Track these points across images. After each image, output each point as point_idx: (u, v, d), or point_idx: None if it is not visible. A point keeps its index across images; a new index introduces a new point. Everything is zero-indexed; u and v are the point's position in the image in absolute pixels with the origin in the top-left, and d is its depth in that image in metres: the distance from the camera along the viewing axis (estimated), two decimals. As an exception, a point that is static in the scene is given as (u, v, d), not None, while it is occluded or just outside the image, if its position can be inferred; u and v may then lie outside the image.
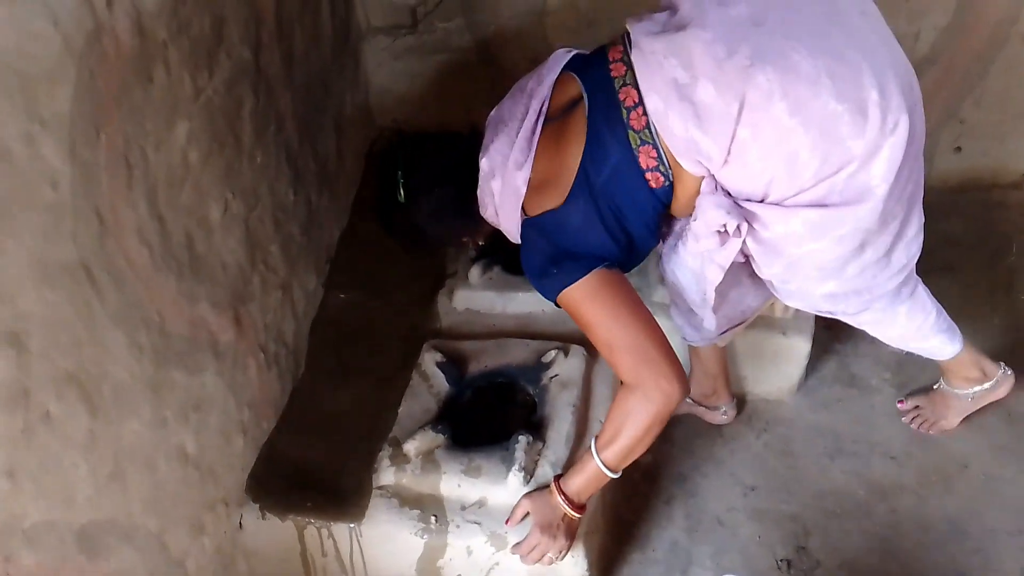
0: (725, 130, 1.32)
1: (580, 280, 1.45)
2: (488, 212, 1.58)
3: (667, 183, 1.43)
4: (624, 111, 1.40)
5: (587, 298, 1.46)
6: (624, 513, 1.88)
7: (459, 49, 2.30)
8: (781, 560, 1.78)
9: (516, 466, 1.61)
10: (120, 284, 1.24)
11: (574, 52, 1.54)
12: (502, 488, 1.61)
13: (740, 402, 2.07)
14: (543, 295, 1.53)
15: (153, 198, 1.31)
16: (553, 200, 1.47)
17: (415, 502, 1.64)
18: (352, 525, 1.63)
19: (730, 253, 1.45)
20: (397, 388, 1.82)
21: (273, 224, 1.75)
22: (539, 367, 1.83)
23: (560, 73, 1.51)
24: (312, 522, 1.65)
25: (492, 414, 1.83)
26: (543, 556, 1.56)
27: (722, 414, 2.02)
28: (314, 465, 1.74)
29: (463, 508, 1.63)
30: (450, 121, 2.41)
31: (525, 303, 2.03)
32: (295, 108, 1.85)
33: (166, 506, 1.39)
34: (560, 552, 1.57)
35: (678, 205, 1.48)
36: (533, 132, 1.49)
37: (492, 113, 1.59)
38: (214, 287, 1.50)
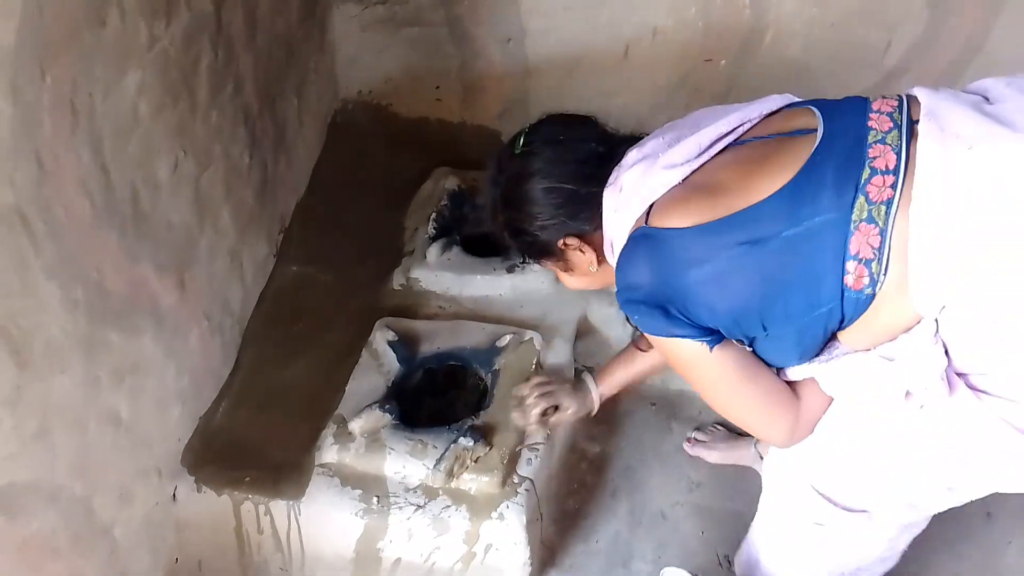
0: (1017, 264, 0.96)
1: (684, 339, 1.15)
2: (606, 211, 1.24)
3: (868, 293, 1.04)
4: (867, 170, 1.03)
5: (693, 363, 1.18)
6: (569, 504, 1.87)
7: (431, 24, 2.26)
8: (723, 556, 1.78)
9: (439, 464, 1.58)
10: (57, 235, 1.17)
11: (800, 100, 1.22)
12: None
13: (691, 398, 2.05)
14: (638, 326, 1.21)
15: (98, 147, 1.25)
16: (692, 215, 1.10)
17: (357, 482, 1.60)
18: (291, 502, 1.59)
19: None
20: (346, 365, 1.78)
21: (225, 187, 1.69)
22: (492, 351, 1.81)
23: (787, 108, 1.20)
24: (249, 497, 1.60)
25: (442, 396, 1.80)
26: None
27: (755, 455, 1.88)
28: (255, 439, 1.69)
29: (406, 490, 1.59)
30: (417, 99, 2.40)
31: (482, 286, 2.00)
32: (256, 70, 1.79)
33: (94, 470, 1.33)
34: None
35: (857, 332, 1.09)
36: (713, 142, 1.16)
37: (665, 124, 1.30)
38: (158, 247, 1.44)
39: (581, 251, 1.31)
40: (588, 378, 1.65)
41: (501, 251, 1.64)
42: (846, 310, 1.06)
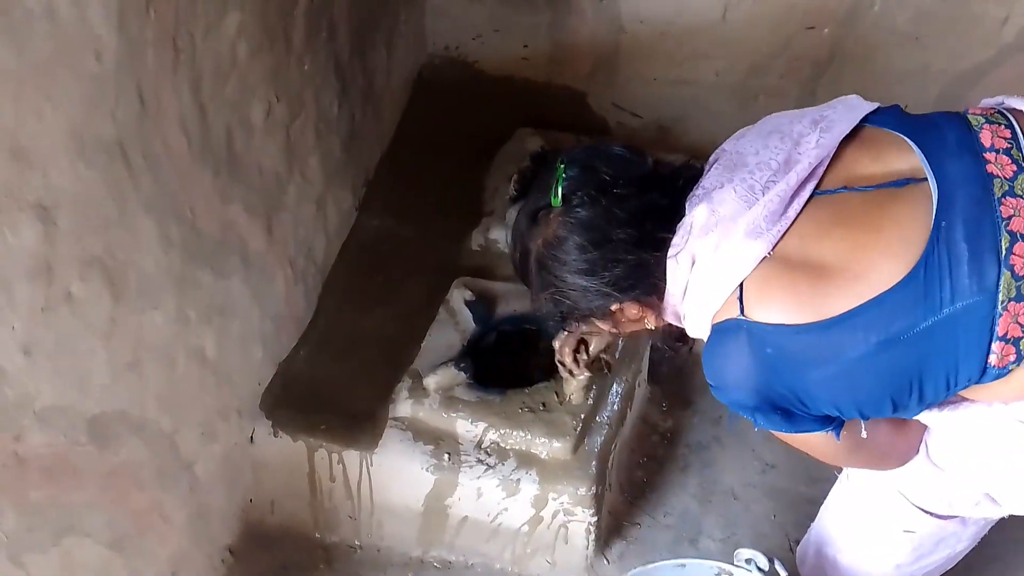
0: None
1: (807, 433, 1.05)
2: (677, 282, 1.06)
3: (1013, 364, 0.95)
4: (1005, 236, 0.91)
5: (814, 445, 1.09)
6: (638, 476, 1.84)
7: (524, -24, 2.21)
8: (794, 541, 1.74)
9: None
10: (155, 171, 1.19)
11: (877, 105, 1.06)
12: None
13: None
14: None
15: (197, 86, 1.26)
16: (805, 308, 0.95)
17: (430, 437, 1.60)
18: (364, 453, 1.60)
19: None
20: (423, 321, 1.77)
21: (315, 135, 1.69)
22: (569, 316, 1.78)
23: (861, 126, 1.04)
24: (324, 445, 1.62)
25: (516, 358, 1.79)
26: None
27: None
28: (332, 388, 1.71)
29: (478, 448, 1.59)
30: (505, 57, 2.36)
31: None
32: (349, 18, 1.77)
33: (181, 406, 1.36)
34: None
35: (997, 391, 1.00)
36: (795, 195, 0.99)
37: (726, 145, 1.11)
38: (249, 190, 1.45)
39: (637, 314, 1.13)
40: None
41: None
42: (984, 379, 0.96)
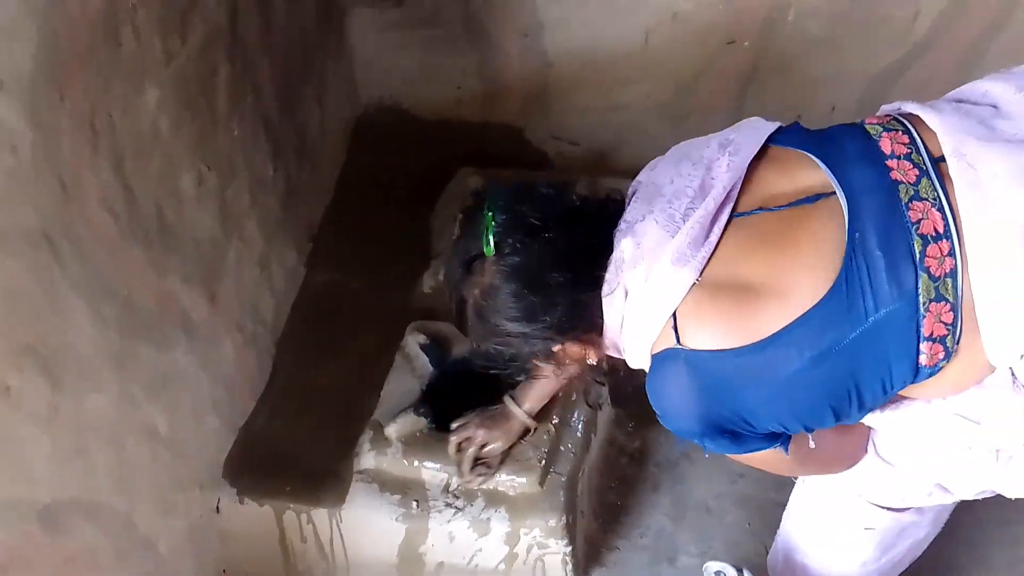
0: None
1: (757, 452, 1.07)
2: (612, 316, 1.07)
3: (942, 366, 0.98)
4: (917, 239, 0.94)
5: (765, 461, 1.11)
6: (610, 499, 1.84)
7: (447, 22, 2.24)
8: (770, 548, 1.74)
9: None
10: (83, 253, 1.18)
11: (779, 124, 1.09)
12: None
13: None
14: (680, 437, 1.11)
15: (119, 165, 1.26)
16: (723, 334, 0.98)
17: (396, 486, 1.60)
18: (332, 510, 1.59)
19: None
20: (379, 370, 1.77)
21: (250, 198, 1.69)
22: (525, 349, 1.79)
23: (767, 146, 1.06)
24: (291, 507, 1.61)
25: (476, 397, 1.79)
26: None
27: None
28: (294, 447, 1.70)
29: (445, 493, 1.58)
30: (438, 100, 2.39)
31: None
32: (274, 79, 1.79)
33: (135, 485, 1.34)
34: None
35: (933, 388, 1.03)
36: (714, 220, 1.01)
37: (641, 176, 1.13)
38: (185, 261, 1.45)
39: (579, 352, 1.15)
40: (508, 401, 1.55)
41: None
42: (916, 380, 0.99)
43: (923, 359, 0.96)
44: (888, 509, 1.26)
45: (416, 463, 1.59)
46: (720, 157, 1.05)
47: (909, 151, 0.99)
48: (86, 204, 1.19)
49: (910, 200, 0.95)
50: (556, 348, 1.13)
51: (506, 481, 1.57)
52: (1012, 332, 0.93)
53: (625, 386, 1.96)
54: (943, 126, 0.98)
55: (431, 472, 1.59)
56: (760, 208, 1.02)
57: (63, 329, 1.15)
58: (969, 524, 1.70)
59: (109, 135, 1.23)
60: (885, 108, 1.09)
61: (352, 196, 2.21)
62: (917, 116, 1.02)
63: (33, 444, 1.12)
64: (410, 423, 1.63)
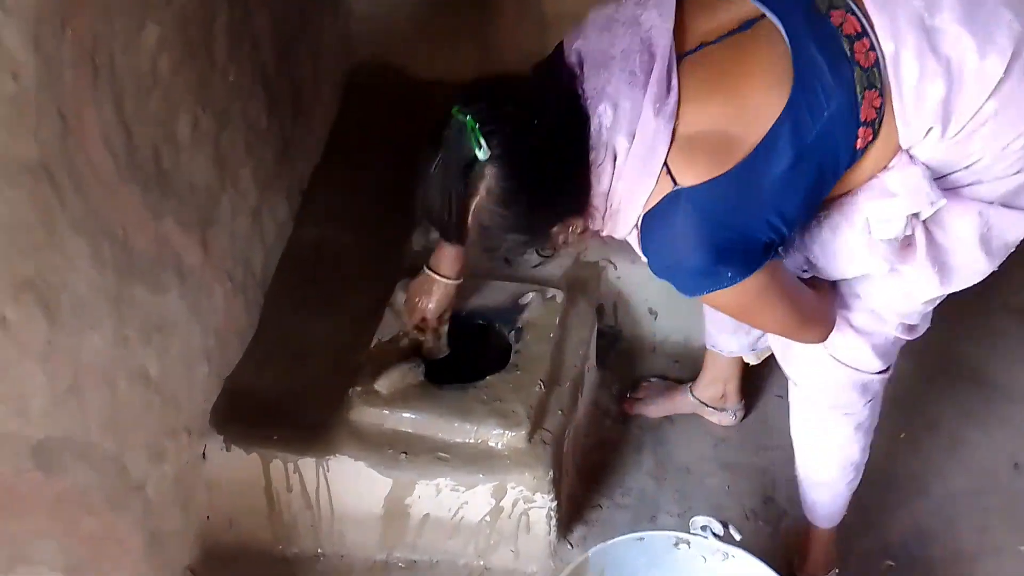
0: (975, 97, 1.07)
1: (748, 278, 1.13)
2: (602, 183, 1.13)
3: (871, 143, 1.12)
4: (844, 40, 1.08)
5: (753, 295, 1.16)
6: (594, 459, 1.87)
7: (446, -22, 2.23)
8: (750, 510, 1.79)
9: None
10: (83, 190, 1.17)
11: None
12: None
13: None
14: (682, 292, 1.18)
15: (120, 103, 1.24)
16: (714, 164, 1.08)
17: (385, 439, 1.61)
18: (319, 460, 1.60)
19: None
20: (369, 325, 1.77)
21: (245, 147, 1.67)
22: (515, 309, 1.80)
23: None
24: (279, 455, 1.61)
25: (466, 355, 1.80)
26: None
27: (731, 415, 1.92)
28: (282, 398, 1.70)
29: (433, 446, 1.60)
30: (433, 60, 2.37)
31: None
32: (271, 29, 1.77)
33: (125, 428, 1.33)
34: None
35: (855, 176, 1.16)
36: (670, 67, 1.10)
37: (578, 46, 1.17)
38: (181, 205, 1.43)
39: (580, 224, 1.21)
40: (427, 271, 1.65)
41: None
42: (852, 164, 1.13)
43: (858, 142, 1.10)
44: (860, 371, 1.37)
45: (405, 415, 1.61)
46: (644, 11, 1.13)
47: None
48: (86, 140, 1.17)
49: (829, 9, 1.09)
50: (555, 229, 1.19)
51: (495, 435, 1.59)
52: (922, 102, 1.08)
53: (611, 351, 2.01)
54: None
55: (420, 424, 1.60)
56: (701, 44, 1.12)
57: (62, 265, 1.14)
58: (978, 511, 1.77)
59: (110, 71, 1.21)
60: None
61: (343, 152, 2.20)
62: None
63: (29, 379, 1.12)
64: (400, 376, 1.64)
